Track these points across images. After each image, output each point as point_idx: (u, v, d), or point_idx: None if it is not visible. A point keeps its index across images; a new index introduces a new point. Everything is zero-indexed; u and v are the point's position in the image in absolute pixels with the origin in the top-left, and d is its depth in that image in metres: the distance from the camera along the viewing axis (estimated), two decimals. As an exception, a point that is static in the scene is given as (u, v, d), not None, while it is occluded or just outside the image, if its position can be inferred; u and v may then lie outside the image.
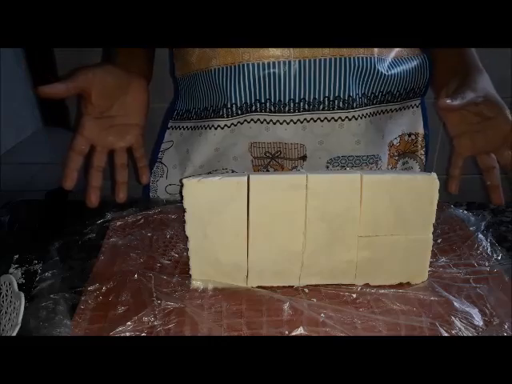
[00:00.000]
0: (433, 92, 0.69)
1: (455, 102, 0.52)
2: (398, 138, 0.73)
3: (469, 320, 0.47)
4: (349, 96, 0.63)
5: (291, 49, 0.60)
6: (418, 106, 0.72)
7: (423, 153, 0.75)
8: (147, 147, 0.62)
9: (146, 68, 0.69)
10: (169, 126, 0.74)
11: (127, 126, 0.58)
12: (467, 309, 0.48)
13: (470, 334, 0.45)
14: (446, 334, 0.45)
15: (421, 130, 0.74)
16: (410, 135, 0.74)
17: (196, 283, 0.52)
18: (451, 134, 0.59)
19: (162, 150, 0.74)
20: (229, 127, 0.66)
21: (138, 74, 0.61)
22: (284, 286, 0.52)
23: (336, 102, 0.63)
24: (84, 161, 0.55)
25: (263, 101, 0.63)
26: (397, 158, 0.74)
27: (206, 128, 0.67)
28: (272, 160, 0.68)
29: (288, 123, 0.64)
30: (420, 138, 0.74)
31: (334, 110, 0.63)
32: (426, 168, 0.77)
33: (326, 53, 0.60)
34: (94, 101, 0.54)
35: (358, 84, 0.63)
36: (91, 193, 0.54)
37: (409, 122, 0.73)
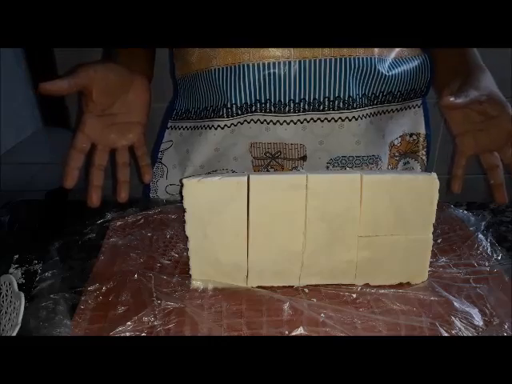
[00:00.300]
0: (434, 92, 0.69)
1: (459, 99, 0.51)
2: (400, 139, 0.73)
3: (469, 320, 0.47)
4: (349, 96, 0.63)
5: (291, 49, 0.60)
6: (419, 106, 0.72)
7: (424, 153, 0.75)
8: (147, 147, 0.61)
9: (147, 67, 0.68)
10: (168, 125, 0.74)
11: (129, 124, 0.58)
12: (467, 309, 0.48)
13: (470, 334, 0.45)
14: (446, 334, 0.45)
15: (422, 131, 0.74)
16: (411, 135, 0.74)
17: (196, 283, 0.52)
18: (454, 133, 0.59)
19: (161, 150, 0.74)
20: (229, 127, 0.66)
21: (140, 72, 0.60)
22: (284, 286, 0.52)
23: (336, 102, 0.63)
24: (85, 160, 0.54)
25: (263, 101, 0.63)
26: (398, 158, 0.74)
27: (205, 128, 0.67)
28: (272, 160, 0.68)
29: (288, 123, 0.64)
30: (421, 139, 0.74)
31: (334, 110, 0.63)
32: (427, 168, 0.77)
33: (326, 53, 0.60)
34: (95, 98, 0.53)
35: (359, 84, 0.63)
36: (92, 192, 0.54)
37: (410, 122, 0.72)
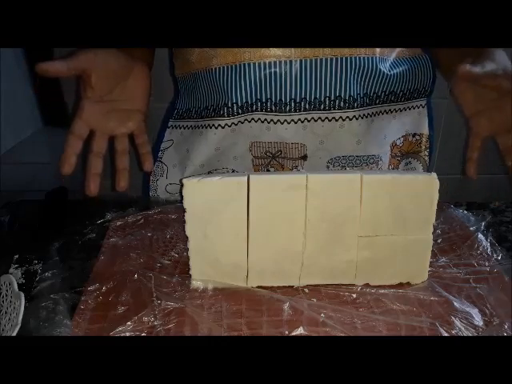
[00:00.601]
0: (444, 78, 0.67)
1: (476, 69, 0.48)
2: (402, 139, 0.72)
3: (469, 320, 0.47)
4: (350, 96, 0.63)
5: (292, 48, 0.60)
6: (423, 107, 0.71)
7: (427, 154, 0.75)
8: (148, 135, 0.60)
9: (147, 55, 0.68)
10: (169, 125, 0.74)
11: (129, 111, 0.57)
12: (467, 309, 0.48)
13: (470, 334, 0.45)
14: (446, 334, 0.45)
15: (426, 131, 0.73)
16: (414, 135, 0.73)
17: (196, 283, 0.52)
18: (467, 114, 0.56)
19: (161, 149, 0.74)
20: (229, 126, 0.66)
21: (141, 59, 0.59)
22: (284, 286, 0.52)
23: (337, 101, 0.63)
24: (83, 148, 0.52)
25: (264, 100, 0.63)
26: (399, 158, 0.74)
27: (206, 127, 0.67)
28: (272, 160, 0.68)
29: (289, 123, 0.64)
30: (424, 139, 0.74)
31: (334, 109, 0.63)
32: (429, 169, 0.76)
33: (327, 52, 0.60)
34: (94, 83, 0.52)
35: (360, 84, 0.63)
36: (90, 180, 0.52)
37: (413, 122, 0.72)
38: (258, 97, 0.63)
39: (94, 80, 0.52)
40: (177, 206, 0.67)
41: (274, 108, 0.63)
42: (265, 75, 0.61)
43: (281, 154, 0.67)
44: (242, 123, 0.65)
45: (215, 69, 0.63)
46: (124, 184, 0.54)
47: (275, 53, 0.60)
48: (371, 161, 0.68)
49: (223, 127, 0.66)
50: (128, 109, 0.57)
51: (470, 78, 0.50)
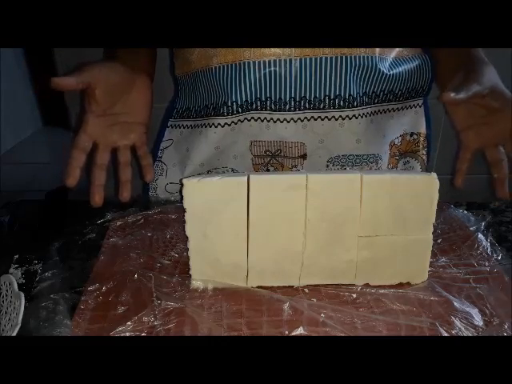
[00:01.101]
0: (438, 89, 0.68)
1: (460, 95, 0.51)
2: (400, 138, 0.73)
3: (469, 320, 0.47)
4: (349, 95, 0.63)
5: (292, 47, 0.60)
6: (420, 106, 0.72)
7: (425, 153, 0.75)
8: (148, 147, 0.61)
9: (148, 65, 0.68)
10: (168, 124, 0.74)
11: (131, 124, 0.58)
12: (467, 309, 0.48)
13: (470, 334, 0.45)
14: (445, 334, 0.45)
15: (423, 130, 0.73)
16: (411, 135, 0.74)
17: (196, 283, 0.52)
18: (458, 128, 0.58)
19: (161, 148, 0.74)
20: (229, 125, 0.66)
21: (142, 72, 0.60)
22: (284, 286, 0.52)
23: (337, 100, 0.63)
24: (87, 160, 0.54)
25: (264, 99, 0.63)
26: (398, 157, 0.74)
27: (206, 126, 0.67)
28: (272, 158, 0.68)
29: (288, 122, 0.64)
30: (422, 138, 0.74)
31: (334, 108, 0.63)
32: (428, 168, 0.77)
33: (327, 51, 0.60)
34: (98, 98, 0.53)
35: (359, 83, 0.63)
36: (95, 192, 0.53)
37: (411, 121, 0.72)
38: (258, 95, 0.63)
39: (98, 95, 0.53)
40: (177, 205, 0.67)
41: (273, 107, 0.63)
42: (264, 74, 0.61)
43: (280, 152, 0.67)
44: (242, 122, 0.65)
45: (215, 68, 0.63)
46: (127, 195, 0.56)
47: (275, 51, 0.60)
48: (371, 160, 0.68)
49: (223, 126, 0.66)
50: (130, 121, 0.58)
51: (453, 103, 0.53)
